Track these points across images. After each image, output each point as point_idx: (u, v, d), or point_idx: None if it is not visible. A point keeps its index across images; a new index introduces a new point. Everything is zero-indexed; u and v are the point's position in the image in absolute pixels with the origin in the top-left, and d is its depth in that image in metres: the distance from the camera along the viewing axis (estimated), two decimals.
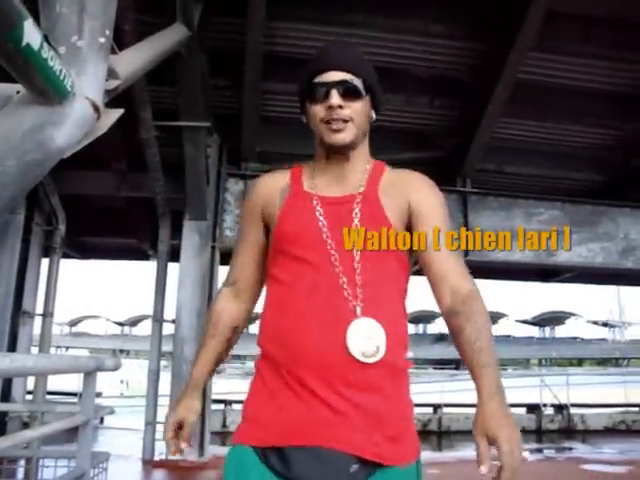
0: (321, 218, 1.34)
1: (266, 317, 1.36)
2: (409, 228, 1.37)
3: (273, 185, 1.47)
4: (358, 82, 1.36)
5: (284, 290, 1.32)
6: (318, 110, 1.37)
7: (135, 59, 3.13)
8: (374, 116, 1.44)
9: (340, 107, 1.34)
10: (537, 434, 11.06)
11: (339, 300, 1.27)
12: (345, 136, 1.36)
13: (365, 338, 1.24)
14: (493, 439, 1.12)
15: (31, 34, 1.61)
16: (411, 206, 1.38)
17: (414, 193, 1.40)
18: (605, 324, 55.30)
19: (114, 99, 2.62)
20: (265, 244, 1.46)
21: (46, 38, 1.73)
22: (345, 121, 1.35)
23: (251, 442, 1.26)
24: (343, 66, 1.37)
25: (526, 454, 1.11)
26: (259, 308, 1.47)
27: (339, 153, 1.40)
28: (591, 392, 14.02)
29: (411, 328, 58.08)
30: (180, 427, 1.39)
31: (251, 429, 1.28)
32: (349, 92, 1.35)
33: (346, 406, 1.21)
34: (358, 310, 1.26)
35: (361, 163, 1.44)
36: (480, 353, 1.23)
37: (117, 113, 2.36)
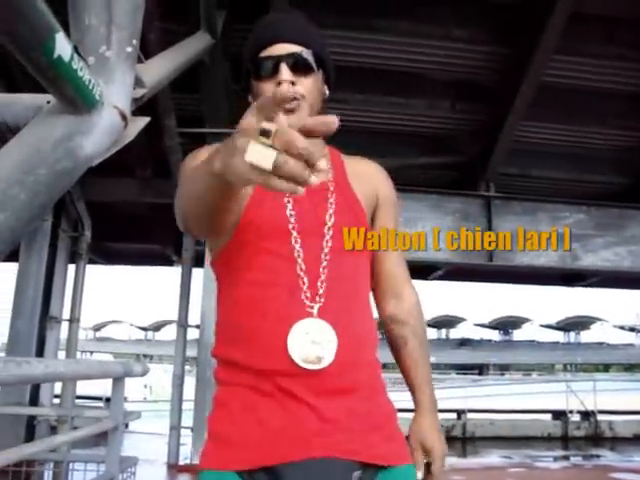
0: (289, 206, 1.20)
1: (232, 319, 1.19)
2: (372, 218, 1.31)
3: None
4: (309, 55, 1.22)
5: (251, 288, 1.18)
6: (266, 88, 1.21)
7: (160, 68, 3.18)
8: (327, 93, 1.31)
9: (291, 83, 1.20)
10: (563, 441, 10.91)
11: (299, 299, 1.14)
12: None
13: (310, 342, 1.11)
14: (429, 450, 1.27)
15: (62, 46, 1.65)
16: (379, 198, 1.32)
17: (381, 186, 1.35)
18: (632, 329, 54.35)
19: (140, 107, 2.66)
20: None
21: (76, 49, 1.77)
22: (297, 99, 1.19)
23: (232, 466, 1.09)
24: (292, 37, 1.22)
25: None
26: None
27: None
28: (619, 398, 13.80)
29: (433, 333, 57.70)
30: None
31: (229, 450, 1.11)
32: (300, 66, 1.21)
33: (334, 410, 1.10)
34: (315, 309, 1.13)
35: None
36: (423, 369, 1.31)
37: (143, 121, 2.39)
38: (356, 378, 1.15)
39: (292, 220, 1.19)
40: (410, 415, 1.32)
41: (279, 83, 1.19)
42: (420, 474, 1.25)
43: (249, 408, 1.11)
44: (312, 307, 1.13)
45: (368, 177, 1.33)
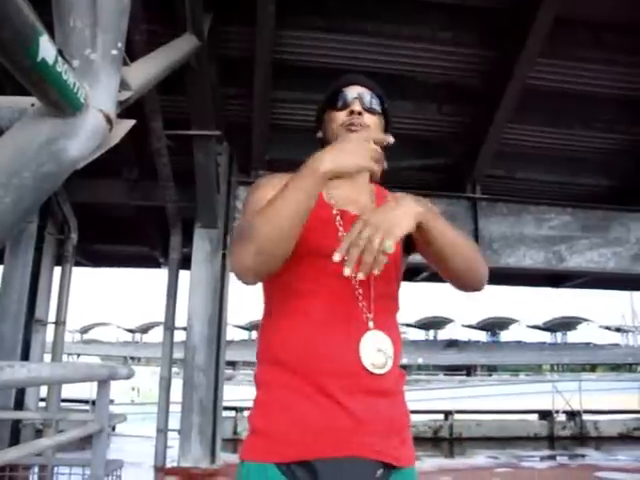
0: (341, 229, 1.35)
1: (282, 326, 1.32)
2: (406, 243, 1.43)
3: None
4: (376, 100, 1.48)
5: (304, 299, 1.31)
6: (339, 116, 1.45)
7: (146, 70, 3.17)
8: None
9: (360, 114, 1.43)
10: (549, 441, 10.99)
11: (356, 311, 1.30)
12: None
13: (376, 350, 1.28)
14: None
15: (46, 49, 1.64)
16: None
17: None
18: (618, 329, 54.87)
19: (126, 109, 2.65)
20: None
21: (60, 53, 1.76)
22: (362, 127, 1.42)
23: (273, 458, 1.22)
24: (366, 84, 1.49)
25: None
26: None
27: None
28: (604, 398, 13.91)
29: (422, 334, 57.82)
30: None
31: (270, 444, 1.23)
32: (369, 105, 1.46)
33: (367, 413, 1.24)
34: (370, 323, 1.30)
35: (367, 182, 1.50)
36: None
37: (129, 124, 2.39)
38: (393, 384, 1.32)
39: None
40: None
41: (351, 112, 1.44)
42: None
43: (289, 408, 1.24)
44: (369, 320, 1.30)
45: None
